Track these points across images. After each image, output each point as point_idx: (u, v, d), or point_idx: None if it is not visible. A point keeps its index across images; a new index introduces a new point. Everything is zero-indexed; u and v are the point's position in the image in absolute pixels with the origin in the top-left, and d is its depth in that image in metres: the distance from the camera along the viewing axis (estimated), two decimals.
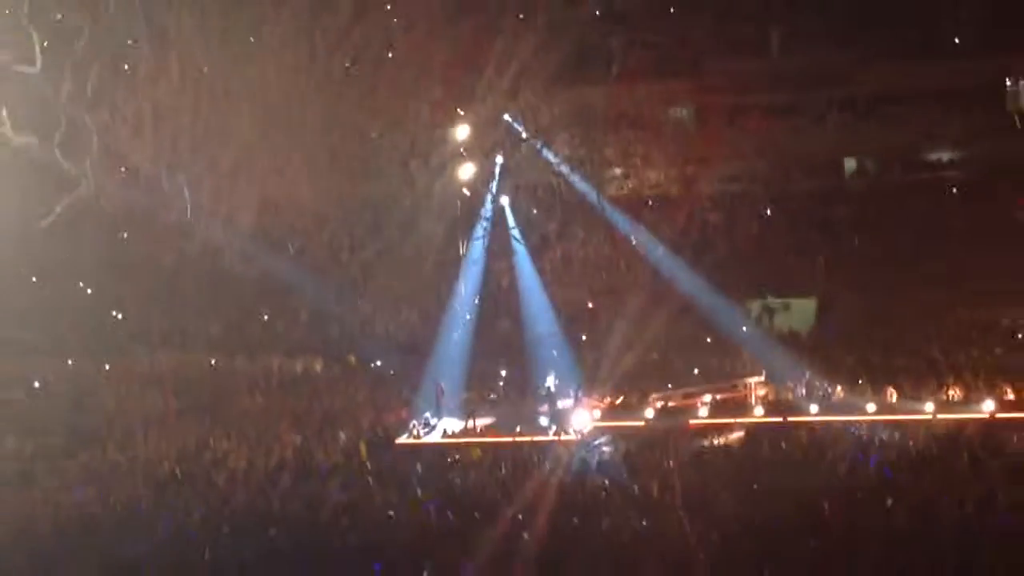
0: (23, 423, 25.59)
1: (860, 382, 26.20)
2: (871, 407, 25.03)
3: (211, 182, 26.99)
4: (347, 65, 28.36)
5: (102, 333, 29.39)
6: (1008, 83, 29.07)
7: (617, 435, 24.94)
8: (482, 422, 26.47)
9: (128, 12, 25.08)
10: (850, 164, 30.36)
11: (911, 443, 21.89)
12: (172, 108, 26.09)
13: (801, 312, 29.69)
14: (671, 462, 21.56)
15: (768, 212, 29.63)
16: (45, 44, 24.23)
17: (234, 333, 30.65)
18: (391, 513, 19.32)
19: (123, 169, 26.65)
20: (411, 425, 26.18)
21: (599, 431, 25.41)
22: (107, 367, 28.95)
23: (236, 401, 27.94)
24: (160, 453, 24.24)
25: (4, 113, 24.20)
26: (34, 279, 28.61)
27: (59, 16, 24.78)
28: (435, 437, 25.96)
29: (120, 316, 29.73)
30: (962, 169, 29.34)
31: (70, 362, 28.88)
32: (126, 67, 25.87)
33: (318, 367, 30.14)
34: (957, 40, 27.02)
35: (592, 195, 30.26)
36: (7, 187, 25.10)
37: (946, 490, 17.62)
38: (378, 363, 29.92)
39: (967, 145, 29.29)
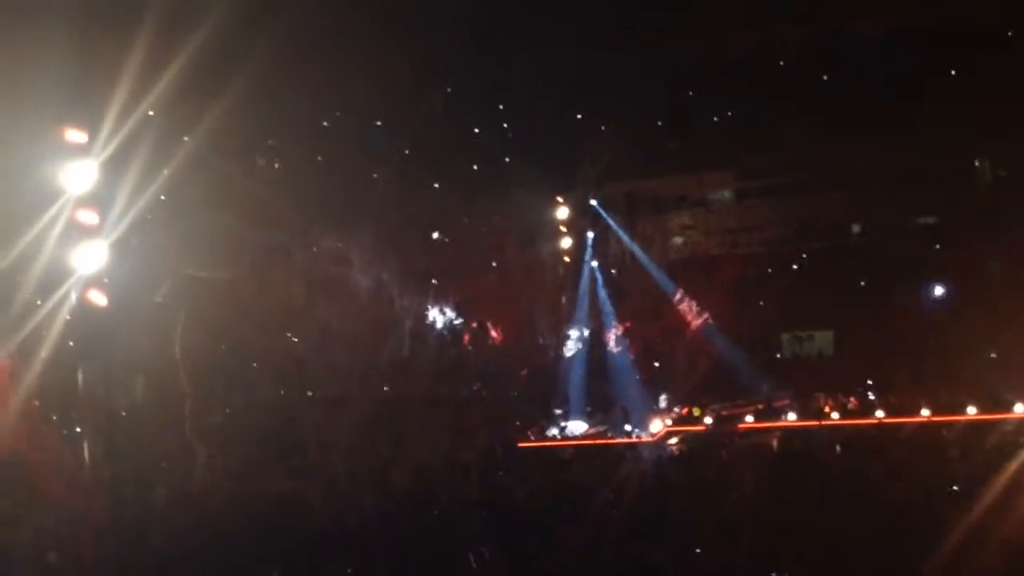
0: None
1: (869, 395, 26.30)
2: (879, 413, 25.17)
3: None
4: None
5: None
6: (976, 163, 29.03)
7: (684, 437, 25.42)
8: (584, 428, 27.17)
9: None
10: (855, 227, 30.43)
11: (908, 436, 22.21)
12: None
13: (822, 341, 29.76)
14: (724, 455, 22.03)
15: (795, 266, 29.80)
16: None
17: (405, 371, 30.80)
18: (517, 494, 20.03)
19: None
20: (528, 433, 26.98)
21: (670, 434, 25.91)
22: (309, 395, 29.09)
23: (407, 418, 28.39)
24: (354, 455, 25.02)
25: None
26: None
27: None
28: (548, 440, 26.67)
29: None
30: (941, 229, 29.19)
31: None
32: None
33: (462, 392, 30.49)
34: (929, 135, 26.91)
35: (660, 258, 30.84)
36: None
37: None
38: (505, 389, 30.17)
39: (944, 211, 29.20)
